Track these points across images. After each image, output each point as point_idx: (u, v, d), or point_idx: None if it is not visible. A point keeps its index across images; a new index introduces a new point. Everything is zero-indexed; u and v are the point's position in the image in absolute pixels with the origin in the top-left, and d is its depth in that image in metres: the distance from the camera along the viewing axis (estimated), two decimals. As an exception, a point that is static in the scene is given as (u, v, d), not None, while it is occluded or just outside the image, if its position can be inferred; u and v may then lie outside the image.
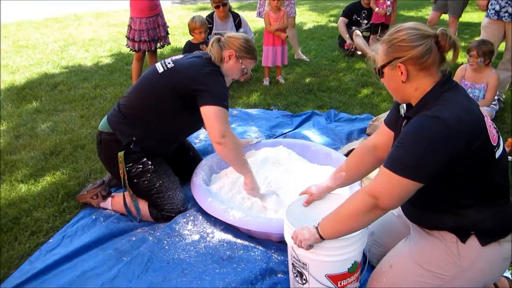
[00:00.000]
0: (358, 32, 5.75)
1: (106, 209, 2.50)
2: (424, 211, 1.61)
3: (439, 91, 1.46)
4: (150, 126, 2.30)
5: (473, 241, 1.50)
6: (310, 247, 1.60)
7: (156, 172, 2.31)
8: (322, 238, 1.57)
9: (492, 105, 3.79)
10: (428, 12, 9.28)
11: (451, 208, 1.53)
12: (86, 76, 4.96)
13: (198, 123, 2.31)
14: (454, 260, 1.53)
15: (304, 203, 1.94)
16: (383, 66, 1.53)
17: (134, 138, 2.26)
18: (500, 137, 1.52)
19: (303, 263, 1.68)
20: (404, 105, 1.65)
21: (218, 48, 2.33)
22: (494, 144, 1.45)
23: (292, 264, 1.76)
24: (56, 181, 2.78)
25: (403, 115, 1.65)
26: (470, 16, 8.44)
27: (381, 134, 1.83)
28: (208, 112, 2.18)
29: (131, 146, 2.26)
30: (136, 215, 2.37)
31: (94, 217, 2.40)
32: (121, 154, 2.25)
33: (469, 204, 1.50)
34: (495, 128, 1.50)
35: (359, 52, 5.79)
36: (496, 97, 3.85)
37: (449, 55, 1.51)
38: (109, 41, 6.64)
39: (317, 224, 1.60)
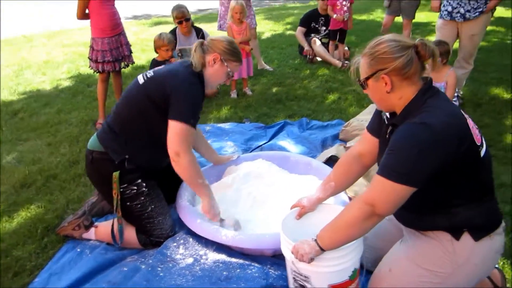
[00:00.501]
0: (315, 39, 5.88)
1: (89, 239, 2.41)
2: (417, 215, 1.66)
3: (422, 98, 1.52)
4: (140, 139, 2.26)
5: (466, 237, 1.57)
6: (311, 260, 1.62)
7: (149, 195, 2.27)
8: (322, 250, 1.60)
9: (453, 102, 3.97)
10: (379, 15, 9.63)
11: (442, 208, 1.59)
12: (46, 101, 4.78)
13: None
14: (450, 257, 1.59)
15: (296, 216, 1.96)
16: (367, 78, 1.58)
17: (127, 156, 2.21)
18: (482, 136, 1.60)
19: (305, 276, 1.70)
20: (387, 113, 1.71)
21: (201, 53, 2.29)
22: (478, 144, 1.53)
23: (294, 278, 1.77)
24: (32, 215, 2.66)
25: (386, 122, 1.71)
26: (418, 16, 8.78)
27: (365, 142, 1.89)
28: (171, 127, 2.15)
29: (125, 165, 2.21)
30: (118, 241, 2.29)
31: (79, 250, 2.32)
32: (116, 174, 2.19)
33: (459, 203, 1.56)
34: (477, 128, 1.58)
35: (318, 59, 5.92)
36: (455, 94, 4.04)
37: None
38: (66, 63, 6.44)
39: (316, 236, 1.63)
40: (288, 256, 1.74)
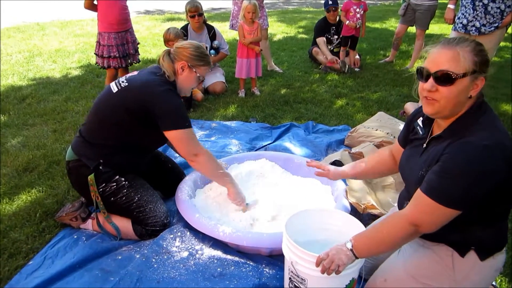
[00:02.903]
0: (320, 53, 5.85)
1: (87, 229, 2.41)
2: None
3: (477, 113, 1.44)
4: (114, 147, 2.27)
5: (471, 255, 1.53)
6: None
7: (132, 186, 2.28)
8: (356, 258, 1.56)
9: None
10: (392, 24, 9.60)
11: (461, 225, 1.49)
12: (55, 88, 4.81)
13: (162, 138, 2.27)
14: (448, 273, 1.56)
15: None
16: (465, 75, 1.38)
17: (101, 160, 2.23)
18: None
19: (302, 279, 1.68)
20: (420, 122, 1.65)
21: (169, 62, 2.31)
22: None
23: (290, 278, 1.76)
24: (32, 199, 2.67)
25: (421, 133, 1.64)
26: (431, 27, 8.76)
27: (395, 149, 1.89)
28: (172, 137, 2.23)
29: (101, 168, 2.23)
30: (116, 235, 2.31)
31: (75, 236, 2.31)
32: (91, 177, 2.21)
33: (478, 222, 1.50)
34: None
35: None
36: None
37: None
38: (77, 52, 6.47)
39: (349, 246, 1.54)
40: (288, 256, 1.71)
